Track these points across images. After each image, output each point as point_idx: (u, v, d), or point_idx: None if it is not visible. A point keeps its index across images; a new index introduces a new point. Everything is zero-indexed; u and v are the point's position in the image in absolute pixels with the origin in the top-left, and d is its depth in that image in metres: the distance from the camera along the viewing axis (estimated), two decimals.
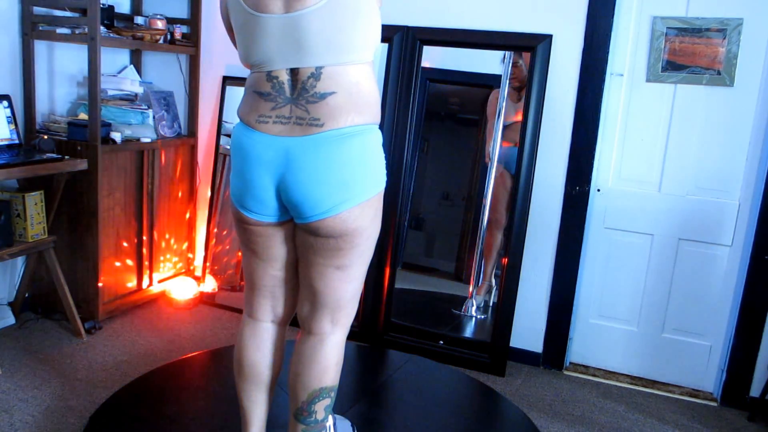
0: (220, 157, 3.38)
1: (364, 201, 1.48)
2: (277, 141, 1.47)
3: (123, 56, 3.27)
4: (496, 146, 3.00)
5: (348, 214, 1.47)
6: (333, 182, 1.45)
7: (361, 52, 1.45)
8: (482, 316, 3.12)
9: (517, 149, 2.80)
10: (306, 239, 1.56)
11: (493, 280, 3.13)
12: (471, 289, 3.15)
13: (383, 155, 1.55)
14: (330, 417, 1.95)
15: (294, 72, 1.46)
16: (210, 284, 3.37)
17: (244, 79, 1.82)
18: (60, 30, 2.71)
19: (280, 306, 1.73)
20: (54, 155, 2.58)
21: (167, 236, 3.26)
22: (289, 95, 1.47)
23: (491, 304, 3.10)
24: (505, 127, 2.98)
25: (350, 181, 1.46)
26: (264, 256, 1.65)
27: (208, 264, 3.40)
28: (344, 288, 1.58)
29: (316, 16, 1.39)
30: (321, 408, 1.63)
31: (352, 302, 1.64)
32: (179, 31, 3.18)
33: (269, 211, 1.56)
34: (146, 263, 3.14)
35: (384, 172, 1.56)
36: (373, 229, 1.56)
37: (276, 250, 1.64)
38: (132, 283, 3.08)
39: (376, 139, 1.51)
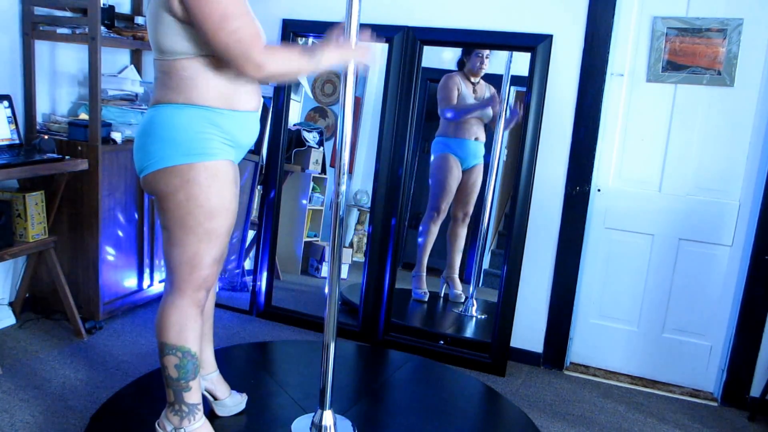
0: None
1: (162, 167, 1.66)
2: None
3: (123, 56, 3.27)
4: (497, 146, 3.01)
5: (152, 177, 1.69)
6: (140, 148, 1.71)
7: (168, 54, 1.65)
8: (483, 316, 3.12)
9: (476, 143, 3.06)
10: None
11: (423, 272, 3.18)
12: (472, 289, 3.15)
13: (197, 132, 1.66)
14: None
15: None
16: None
17: None
18: (60, 30, 2.71)
19: None
20: (54, 155, 2.58)
21: None
22: None
23: (464, 300, 3.12)
24: (463, 122, 3.03)
25: (150, 148, 1.67)
26: None
27: None
28: (169, 250, 1.73)
29: (148, 19, 1.70)
30: (170, 365, 1.75)
31: (183, 269, 1.72)
32: None
33: None
34: (147, 263, 3.14)
35: (194, 147, 1.65)
36: (184, 198, 1.66)
37: None
38: (132, 283, 3.08)
39: (180, 116, 1.66)
